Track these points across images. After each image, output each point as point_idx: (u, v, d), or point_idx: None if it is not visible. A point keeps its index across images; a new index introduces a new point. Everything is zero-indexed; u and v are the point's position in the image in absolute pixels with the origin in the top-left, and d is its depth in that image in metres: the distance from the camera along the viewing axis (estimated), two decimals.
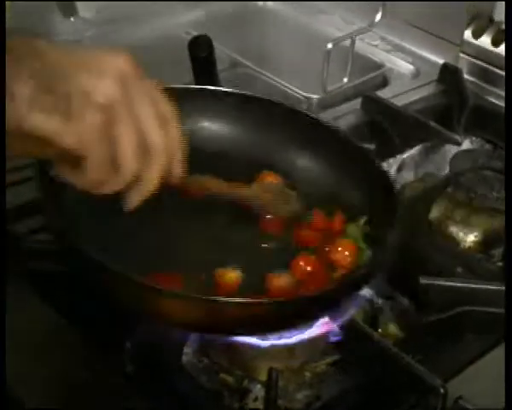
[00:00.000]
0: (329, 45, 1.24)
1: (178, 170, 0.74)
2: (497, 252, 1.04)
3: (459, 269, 0.97)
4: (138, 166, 0.69)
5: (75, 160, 0.67)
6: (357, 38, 1.38)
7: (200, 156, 0.87)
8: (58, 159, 0.69)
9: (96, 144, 0.66)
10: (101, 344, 0.81)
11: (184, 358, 0.84)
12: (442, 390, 0.76)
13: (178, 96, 0.76)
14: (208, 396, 0.82)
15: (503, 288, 0.89)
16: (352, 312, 0.84)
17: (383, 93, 1.32)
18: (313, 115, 1.00)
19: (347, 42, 1.31)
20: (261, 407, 0.80)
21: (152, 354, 0.80)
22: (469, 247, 1.05)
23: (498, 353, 0.85)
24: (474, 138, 1.28)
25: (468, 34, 1.38)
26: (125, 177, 0.68)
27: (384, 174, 0.89)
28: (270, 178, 0.93)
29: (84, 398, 0.77)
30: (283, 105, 0.98)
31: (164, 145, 0.70)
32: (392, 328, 0.93)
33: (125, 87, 0.66)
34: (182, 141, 0.73)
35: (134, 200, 0.71)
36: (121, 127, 0.66)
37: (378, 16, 1.30)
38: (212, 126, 0.98)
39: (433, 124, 1.20)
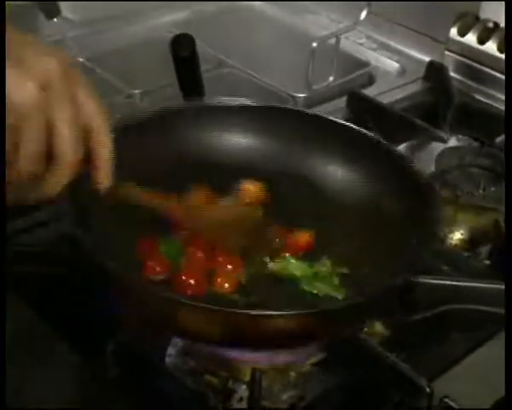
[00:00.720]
0: (314, 44, 1.24)
1: (105, 179, 0.74)
2: (484, 250, 1.04)
3: (445, 267, 0.96)
4: (34, 169, 0.68)
5: None
6: (343, 36, 1.38)
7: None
8: None
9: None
10: (83, 347, 0.80)
11: (168, 359, 0.83)
12: (428, 390, 0.76)
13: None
14: (193, 397, 0.81)
15: (490, 286, 0.89)
16: None
17: (369, 91, 1.32)
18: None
19: (333, 40, 1.30)
20: (246, 407, 0.79)
21: (135, 355, 0.79)
22: (455, 245, 1.04)
23: (485, 351, 0.85)
24: (460, 136, 1.27)
25: (453, 32, 1.37)
26: (20, 175, 0.68)
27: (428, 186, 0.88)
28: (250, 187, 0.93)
29: (67, 402, 0.76)
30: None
31: (72, 155, 0.69)
32: (378, 327, 0.92)
33: (47, 91, 0.67)
34: (110, 150, 0.73)
35: (30, 197, 0.72)
36: (27, 132, 0.67)
37: (363, 14, 1.29)
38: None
39: (419, 122, 1.19)
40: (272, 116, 0.98)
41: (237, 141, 0.97)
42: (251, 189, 0.93)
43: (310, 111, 1.06)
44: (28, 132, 0.67)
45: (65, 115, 0.68)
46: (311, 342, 0.79)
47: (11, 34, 0.68)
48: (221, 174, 0.93)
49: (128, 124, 0.91)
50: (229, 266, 0.83)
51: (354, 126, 0.97)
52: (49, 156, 0.69)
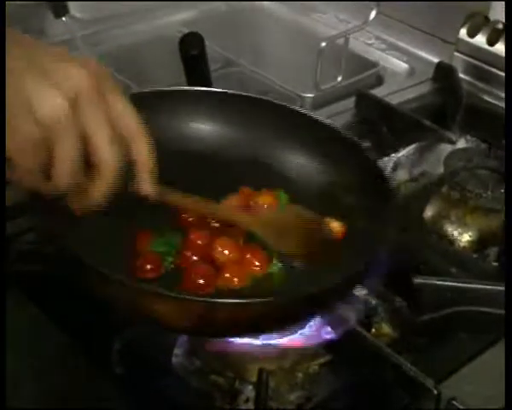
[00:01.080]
0: (323, 44, 1.24)
1: (146, 185, 0.73)
2: (493, 251, 1.03)
3: (453, 269, 0.96)
4: (73, 182, 0.68)
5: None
6: (352, 36, 1.38)
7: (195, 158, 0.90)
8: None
9: (28, 156, 0.65)
10: (89, 345, 0.80)
11: (174, 359, 0.83)
12: (435, 391, 0.75)
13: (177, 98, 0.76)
14: (199, 398, 0.81)
15: (498, 287, 0.88)
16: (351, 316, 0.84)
17: (378, 92, 1.32)
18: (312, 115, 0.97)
19: (341, 40, 1.30)
20: (252, 408, 0.79)
21: (141, 355, 0.79)
22: (464, 246, 1.04)
23: (493, 353, 0.85)
24: (469, 137, 1.27)
25: (463, 33, 1.37)
26: (58, 188, 0.68)
27: (380, 172, 0.87)
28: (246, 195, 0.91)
29: (73, 400, 0.76)
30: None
31: (111, 164, 0.68)
32: (386, 328, 0.91)
33: (77, 103, 0.65)
34: (150, 157, 0.72)
35: (79, 207, 0.71)
36: (61, 145, 0.65)
37: (372, 15, 1.29)
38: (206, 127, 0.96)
39: (427, 122, 1.19)
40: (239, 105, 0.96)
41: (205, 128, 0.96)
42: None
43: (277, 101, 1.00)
44: (61, 148, 0.65)
45: (98, 125, 0.67)
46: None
47: (36, 44, 0.68)
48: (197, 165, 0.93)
49: None
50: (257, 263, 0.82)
51: (317, 117, 0.95)
52: (88, 166, 0.69)
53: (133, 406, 0.76)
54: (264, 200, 0.90)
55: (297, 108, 0.98)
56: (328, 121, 0.95)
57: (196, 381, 0.82)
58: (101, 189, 0.69)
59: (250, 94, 0.98)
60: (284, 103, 0.97)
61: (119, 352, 0.77)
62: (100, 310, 0.79)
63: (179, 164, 0.88)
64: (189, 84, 1.07)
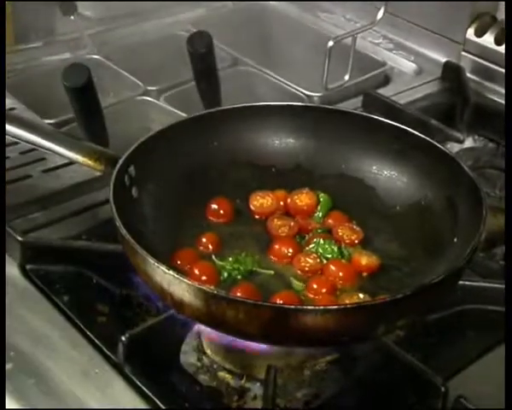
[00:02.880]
0: (330, 43, 1.23)
1: None
2: (500, 251, 1.03)
3: None
4: None
5: None
6: (360, 36, 1.37)
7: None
8: None
9: None
10: (97, 339, 0.80)
11: (183, 356, 0.83)
12: (443, 389, 0.75)
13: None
14: (206, 395, 0.81)
15: (503, 286, 0.88)
16: None
17: (385, 91, 1.32)
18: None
19: (349, 40, 1.30)
20: (260, 405, 0.79)
21: (149, 350, 0.79)
22: None
23: (500, 352, 0.84)
24: (476, 137, 1.27)
25: (470, 33, 1.37)
26: None
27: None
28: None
29: (79, 396, 0.76)
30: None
31: None
32: None
33: None
34: None
35: None
36: None
37: (380, 14, 1.28)
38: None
39: (434, 122, 1.19)
40: (312, 116, 0.99)
41: (280, 142, 0.99)
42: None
43: (350, 110, 1.06)
44: None
45: None
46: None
47: None
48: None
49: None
50: None
51: (398, 124, 0.97)
52: None
53: (139, 402, 0.76)
54: (302, 200, 0.93)
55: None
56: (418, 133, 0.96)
57: (204, 378, 0.82)
58: None
59: (339, 107, 1.03)
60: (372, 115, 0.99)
61: (126, 347, 0.77)
62: (109, 304, 0.80)
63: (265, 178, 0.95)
64: (197, 83, 1.07)
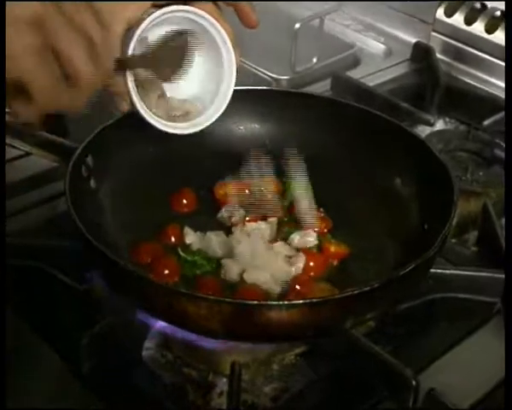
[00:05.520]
0: (297, 25, 1.21)
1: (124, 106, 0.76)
2: (472, 236, 1.01)
3: None
4: (93, 69, 0.66)
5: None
6: (328, 18, 1.35)
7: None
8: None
9: (33, 65, 0.63)
10: (58, 340, 0.78)
11: (146, 353, 0.81)
12: (414, 382, 0.73)
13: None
14: (170, 392, 0.78)
15: (477, 273, 0.86)
16: None
17: (354, 73, 1.29)
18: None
19: (317, 22, 1.27)
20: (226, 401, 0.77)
21: (110, 349, 0.76)
22: None
23: (472, 341, 0.83)
24: (447, 119, 1.25)
25: (440, 13, 1.34)
26: (85, 82, 0.66)
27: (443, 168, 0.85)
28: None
29: (39, 399, 0.73)
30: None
31: (84, 73, 0.66)
32: None
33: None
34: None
35: (83, 104, 0.69)
36: (63, 38, 0.64)
37: None
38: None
39: (403, 104, 1.17)
40: (277, 100, 0.98)
41: (245, 128, 0.97)
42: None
43: (315, 93, 1.06)
44: (61, 35, 0.64)
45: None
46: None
47: None
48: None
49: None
50: None
51: (364, 107, 0.96)
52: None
53: (100, 402, 0.73)
54: (267, 187, 0.91)
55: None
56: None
57: (168, 374, 0.80)
58: (76, 96, 0.67)
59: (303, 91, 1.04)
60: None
61: (86, 347, 0.74)
62: (69, 304, 0.77)
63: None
64: None
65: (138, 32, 0.76)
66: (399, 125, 0.91)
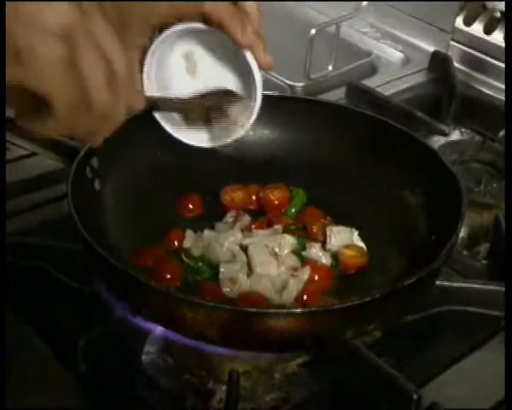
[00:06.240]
0: (313, 31, 1.20)
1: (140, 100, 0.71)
2: (483, 248, 0.99)
3: None
4: (110, 98, 0.63)
5: (39, 105, 0.61)
6: (346, 25, 1.34)
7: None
8: (21, 106, 0.63)
9: (59, 79, 0.60)
10: (54, 342, 0.77)
11: (146, 357, 0.80)
12: (415, 396, 0.71)
13: None
14: (169, 398, 0.77)
15: (486, 287, 0.85)
16: None
17: (371, 81, 1.28)
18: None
19: (333, 28, 1.26)
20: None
21: (109, 352, 0.76)
22: None
23: (478, 355, 0.81)
24: (463, 130, 1.23)
25: (459, 21, 1.33)
26: (99, 110, 0.62)
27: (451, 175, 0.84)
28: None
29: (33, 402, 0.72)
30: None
31: (127, 73, 0.64)
32: None
33: (80, 13, 0.60)
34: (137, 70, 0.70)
35: (100, 136, 0.67)
36: (84, 56, 0.60)
37: (364, 2, 1.25)
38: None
39: (419, 114, 1.15)
40: (288, 107, 0.96)
41: (254, 133, 0.95)
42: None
43: (326, 100, 1.05)
44: (86, 55, 0.60)
45: (108, 35, 0.62)
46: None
47: None
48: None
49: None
50: None
51: (375, 115, 0.94)
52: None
53: (97, 405, 0.72)
54: (274, 194, 0.91)
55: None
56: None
57: (168, 380, 0.79)
58: (123, 104, 0.65)
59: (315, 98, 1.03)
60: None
61: (84, 349, 0.73)
62: (68, 305, 0.77)
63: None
64: None
65: (152, 47, 0.75)
66: (409, 134, 0.89)
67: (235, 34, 0.73)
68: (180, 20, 0.74)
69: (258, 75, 0.77)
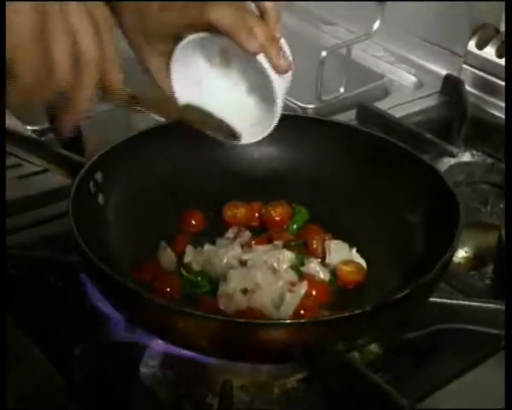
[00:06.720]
0: (324, 53, 1.21)
1: (114, 79, 0.71)
2: (490, 269, 0.99)
3: (442, 284, 0.91)
4: (71, 74, 0.65)
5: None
6: (360, 49, 1.35)
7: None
8: None
9: (25, 46, 0.63)
10: (49, 350, 0.77)
11: (146, 369, 0.80)
12: None
13: None
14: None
15: (486, 305, 0.84)
16: None
17: (383, 104, 1.29)
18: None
19: (344, 51, 1.27)
20: None
21: (105, 362, 0.76)
22: (459, 262, 0.99)
23: (477, 373, 0.81)
24: (474, 152, 1.23)
25: (471, 45, 1.33)
26: (59, 82, 0.65)
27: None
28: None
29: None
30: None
31: (96, 55, 0.66)
32: (372, 345, 0.88)
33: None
34: (115, 50, 0.70)
35: (68, 120, 0.69)
36: (53, 31, 0.63)
37: (376, 25, 1.25)
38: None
39: (428, 135, 1.15)
40: (294, 126, 0.96)
41: (260, 150, 0.96)
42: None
43: (331, 119, 1.06)
44: (55, 30, 0.64)
45: (81, 16, 0.65)
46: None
47: None
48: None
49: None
50: None
51: (378, 134, 0.95)
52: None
53: None
54: (276, 211, 0.91)
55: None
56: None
57: (166, 392, 0.79)
58: (89, 86, 0.67)
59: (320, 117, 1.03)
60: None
61: (79, 358, 0.74)
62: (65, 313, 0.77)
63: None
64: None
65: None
66: (411, 152, 0.90)
67: (241, 43, 0.74)
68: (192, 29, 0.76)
69: (273, 77, 0.77)
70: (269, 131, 0.80)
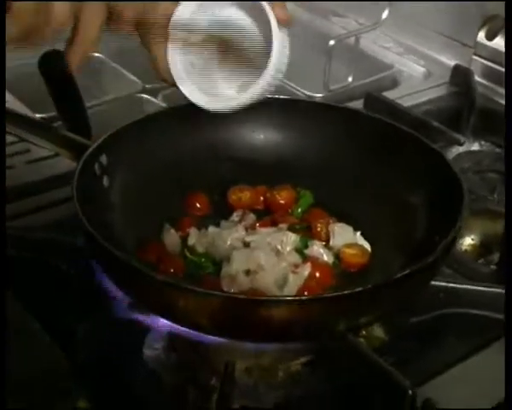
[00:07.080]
0: (331, 42, 1.21)
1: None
2: (496, 257, 0.98)
3: (448, 270, 0.91)
4: (71, 10, 0.67)
5: None
6: (370, 39, 1.35)
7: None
8: None
9: None
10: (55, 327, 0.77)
11: (150, 352, 0.81)
12: (410, 392, 0.71)
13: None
14: (170, 393, 0.78)
15: (491, 290, 0.84)
16: None
17: (391, 94, 1.28)
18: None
19: (352, 40, 1.27)
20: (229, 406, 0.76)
21: (108, 344, 0.77)
22: (466, 250, 0.99)
23: (480, 357, 0.81)
24: (483, 142, 1.23)
25: (481, 36, 1.33)
26: (57, 20, 0.66)
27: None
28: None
29: (27, 392, 0.72)
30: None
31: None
32: (378, 331, 0.88)
33: None
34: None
35: (76, 57, 0.70)
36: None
37: (384, 15, 1.25)
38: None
39: (435, 123, 1.15)
40: (300, 110, 0.97)
41: (265, 136, 0.96)
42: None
43: (336, 104, 1.05)
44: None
45: None
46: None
47: None
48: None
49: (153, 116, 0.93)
50: None
51: (382, 118, 0.95)
52: None
53: (93, 400, 0.72)
54: (281, 195, 0.91)
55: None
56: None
57: (169, 375, 0.79)
58: (92, 19, 0.70)
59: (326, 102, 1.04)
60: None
61: (82, 339, 0.74)
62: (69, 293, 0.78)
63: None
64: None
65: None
66: (415, 136, 0.89)
67: None
68: None
69: (274, 25, 0.80)
70: (265, 85, 0.82)
